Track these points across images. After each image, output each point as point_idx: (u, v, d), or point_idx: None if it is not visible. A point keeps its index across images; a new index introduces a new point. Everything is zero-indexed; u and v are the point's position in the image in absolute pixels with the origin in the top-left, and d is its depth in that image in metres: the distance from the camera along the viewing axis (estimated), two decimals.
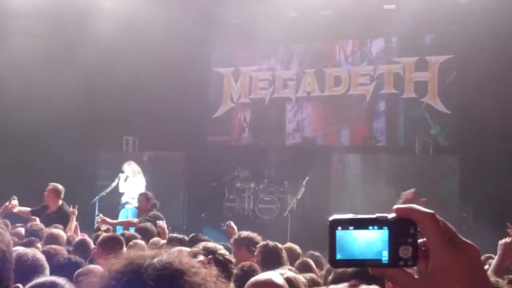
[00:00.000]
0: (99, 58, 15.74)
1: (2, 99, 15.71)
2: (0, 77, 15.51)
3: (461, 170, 14.20)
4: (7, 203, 10.27)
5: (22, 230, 8.88)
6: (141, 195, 11.57)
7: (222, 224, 9.63)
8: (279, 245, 6.11)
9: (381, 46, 16.56)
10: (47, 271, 4.33)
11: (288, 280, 3.54)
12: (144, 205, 11.12)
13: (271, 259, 5.80)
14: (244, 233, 6.99)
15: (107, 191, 13.67)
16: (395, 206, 1.22)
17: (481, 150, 13.69)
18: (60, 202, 10.75)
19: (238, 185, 16.34)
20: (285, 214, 13.00)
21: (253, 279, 3.45)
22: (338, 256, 1.21)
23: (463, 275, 1.17)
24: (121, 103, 16.32)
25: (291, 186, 15.45)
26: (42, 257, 4.56)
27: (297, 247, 7.49)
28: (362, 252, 1.21)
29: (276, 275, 3.48)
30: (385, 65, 16.32)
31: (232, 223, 8.88)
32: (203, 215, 15.94)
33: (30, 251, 4.66)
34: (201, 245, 4.02)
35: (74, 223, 9.88)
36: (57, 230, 7.89)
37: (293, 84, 17.17)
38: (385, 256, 1.20)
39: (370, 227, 1.21)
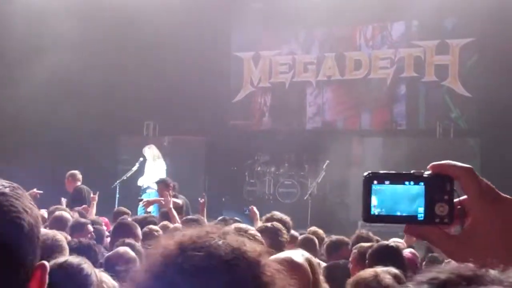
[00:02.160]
0: (120, 42, 15.87)
1: (24, 84, 15.88)
2: (29, 61, 15.76)
3: (481, 153, 14.17)
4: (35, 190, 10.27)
5: (43, 213, 8.94)
6: (159, 183, 11.10)
7: (245, 209, 9.71)
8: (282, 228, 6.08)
9: (402, 30, 16.46)
10: (66, 251, 4.36)
11: (307, 260, 3.58)
12: (164, 192, 10.34)
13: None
14: (277, 215, 6.95)
15: (128, 175, 13.80)
16: (432, 163, 1.18)
17: (501, 133, 13.63)
18: (78, 183, 10.98)
19: (258, 169, 16.45)
20: (305, 198, 13.07)
21: (272, 257, 3.33)
22: (373, 212, 1.19)
23: (504, 232, 1.11)
24: (142, 88, 16.42)
25: (312, 170, 15.39)
26: (62, 238, 4.57)
27: (321, 231, 7.57)
28: (397, 208, 1.19)
29: (296, 254, 3.45)
30: (405, 49, 16.24)
31: (254, 208, 8.94)
32: (223, 199, 15.99)
33: (50, 232, 4.70)
34: (233, 226, 4.08)
35: (94, 208, 10.02)
36: (61, 212, 7.73)
37: (314, 68, 17.13)
38: (420, 213, 1.18)
39: (406, 183, 1.19)
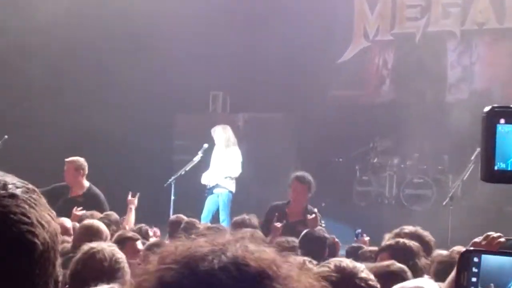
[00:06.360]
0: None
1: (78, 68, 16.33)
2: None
3: None
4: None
5: (66, 222, 8.79)
6: (301, 181, 11.22)
7: (357, 231, 9.82)
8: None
9: None
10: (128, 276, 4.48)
11: None
12: (306, 194, 11.15)
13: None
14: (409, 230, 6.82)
15: (187, 169, 13.79)
16: None
17: None
18: (84, 179, 10.80)
19: (375, 160, 16.68)
20: (444, 203, 13.03)
21: (399, 285, 3.71)
22: (498, 165, 1.12)
23: None
24: (207, 49, 16.39)
25: (454, 162, 15.42)
26: (122, 258, 4.83)
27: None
28: None
29: (428, 282, 3.78)
30: None
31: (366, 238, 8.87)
32: (323, 204, 15.78)
33: (107, 247, 4.94)
34: (333, 263, 3.94)
35: (133, 214, 9.97)
36: (93, 222, 7.69)
37: (458, 12, 17.09)
38: None
39: None
